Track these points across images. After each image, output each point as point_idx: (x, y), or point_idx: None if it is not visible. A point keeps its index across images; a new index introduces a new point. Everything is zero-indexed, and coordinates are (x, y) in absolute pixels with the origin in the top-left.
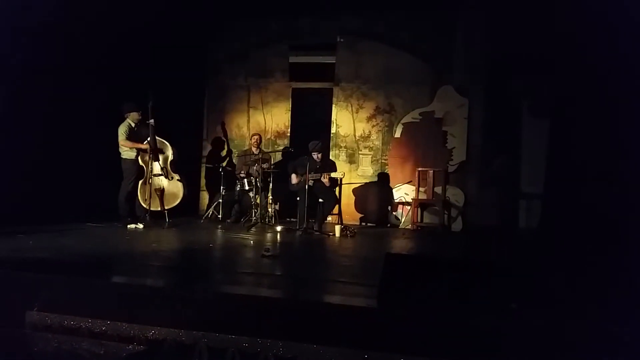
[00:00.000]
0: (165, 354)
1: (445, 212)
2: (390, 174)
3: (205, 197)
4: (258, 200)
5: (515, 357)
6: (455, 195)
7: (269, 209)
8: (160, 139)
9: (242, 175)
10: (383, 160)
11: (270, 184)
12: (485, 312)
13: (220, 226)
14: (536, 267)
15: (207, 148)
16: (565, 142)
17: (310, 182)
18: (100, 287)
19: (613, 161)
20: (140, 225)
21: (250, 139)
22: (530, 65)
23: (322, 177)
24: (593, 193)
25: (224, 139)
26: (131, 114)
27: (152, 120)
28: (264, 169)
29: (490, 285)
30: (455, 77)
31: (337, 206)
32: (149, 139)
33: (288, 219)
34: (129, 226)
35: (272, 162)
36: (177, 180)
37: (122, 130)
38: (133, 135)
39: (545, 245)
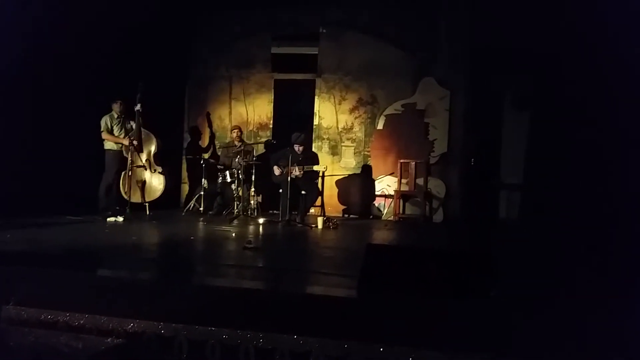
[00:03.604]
0: (145, 346)
1: (427, 203)
2: (372, 166)
3: (186, 189)
4: (240, 193)
5: (496, 345)
6: (436, 186)
7: (252, 201)
8: (145, 130)
9: (220, 166)
10: (366, 152)
11: (253, 176)
12: (465, 302)
13: (202, 218)
14: (516, 257)
15: (188, 140)
16: (546, 134)
17: (293, 174)
18: (79, 280)
19: (594, 153)
20: (120, 218)
21: (231, 132)
22: (512, 58)
23: (295, 170)
24: (574, 184)
25: (208, 129)
26: (113, 105)
27: (139, 106)
28: (246, 161)
29: (470, 275)
30: (437, 69)
31: (319, 198)
32: (132, 132)
33: (270, 211)
34: (108, 219)
35: (254, 154)
36: (159, 172)
37: (103, 122)
38: (116, 127)
39: (525, 236)
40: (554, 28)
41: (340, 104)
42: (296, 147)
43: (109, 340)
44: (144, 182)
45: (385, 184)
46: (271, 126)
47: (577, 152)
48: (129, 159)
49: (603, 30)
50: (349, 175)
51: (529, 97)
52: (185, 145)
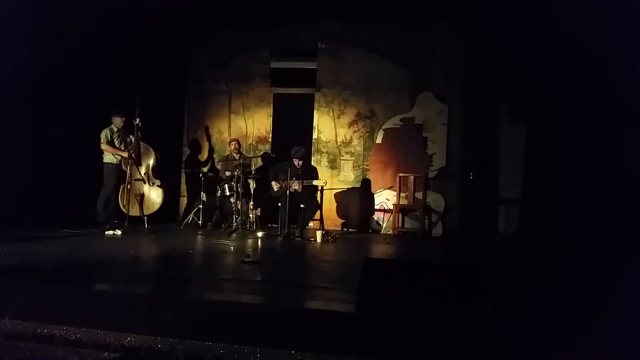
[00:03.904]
0: None
1: (426, 217)
2: (371, 180)
3: (185, 202)
4: (239, 206)
5: (494, 358)
6: (435, 200)
7: (250, 215)
8: (144, 144)
9: (226, 175)
10: (364, 166)
11: (252, 190)
12: (462, 317)
13: (200, 232)
14: (514, 272)
15: (187, 153)
16: (543, 147)
17: (292, 188)
18: (76, 294)
19: (591, 166)
20: (119, 232)
21: (229, 145)
22: (508, 73)
23: (293, 185)
24: (570, 198)
25: (207, 143)
26: (114, 118)
27: (138, 120)
28: (246, 173)
29: (468, 289)
30: (435, 84)
31: (318, 212)
32: (131, 145)
33: (269, 225)
34: (107, 232)
35: (252, 168)
36: (158, 186)
37: (103, 134)
38: (114, 140)
39: (523, 250)
40: (550, 41)
41: (339, 118)
42: (296, 162)
43: (105, 354)
44: (142, 196)
45: (384, 198)
46: (270, 140)
47: (575, 165)
48: (128, 172)
49: (598, 42)
50: (348, 189)
51: (527, 111)
52: (184, 158)
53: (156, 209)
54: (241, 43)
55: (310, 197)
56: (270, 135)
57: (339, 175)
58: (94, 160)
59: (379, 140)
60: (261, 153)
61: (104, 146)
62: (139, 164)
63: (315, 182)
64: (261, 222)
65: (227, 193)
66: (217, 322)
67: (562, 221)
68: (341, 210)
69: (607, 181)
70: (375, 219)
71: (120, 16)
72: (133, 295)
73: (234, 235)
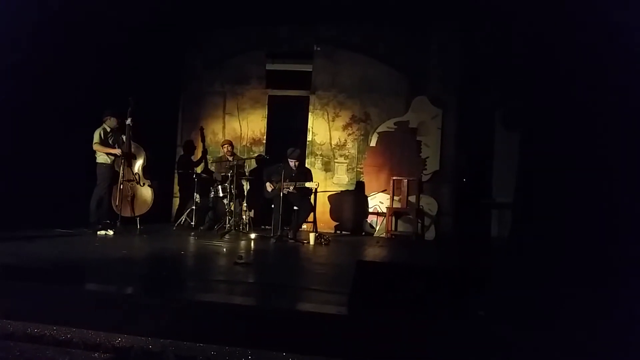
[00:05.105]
0: None
1: (419, 220)
2: (365, 183)
3: (177, 203)
4: (232, 207)
5: None
6: (428, 204)
7: (244, 216)
8: (135, 144)
9: (219, 178)
10: (358, 169)
11: (245, 191)
12: (455, 320)
13: (193, 233)
14: (506, 276)
15: (181, 154)
16: (537, 151)
17: (285, 190)
18: (67, 294)
19: (585, 170)
20: (111, 232)
21: (222, 148)
22: (503, 78)
23: (288, 187)
24: (564, 202)
25: (201, 144)
26: (109, 119)
27: (129, 120)
28: (239, 175)
29: (461, 293)
30: (429, 88)
31: (312, 214)
32: (123, 145)
33: (263, 227)
34: (99, 233)
35: (246, 169)
36: (148, 186)
37: (96, 135)
38: (108, 140)
39: (516, 254)
40: (545, 46)
41: (333, 120)
42: (291, 163)
43: (96, 354)
44: (133, 196)
45: (378, 201)
46: (264, 141)
47: (569, 169)
48: (120, 172)
49: (596, 44)
50: (342, 191)
51: (521, 115)
52: (177, 159)
53: (147, 209)
54: (237, 44)
55: (303, 199)
56: (265, 137)
57: (332, 177)
58: (87, 160)
59: (373, 143)
60: (255, 155)
61: (96, 146)
62: (130, 165)
63: (307, 184)
64: (254, 224)
65: (221, 194)
66: (209, 323)
67: (556, 225)
68: (335, 213)
69: (601, 185)
70: (369, 221)
71: (116, 16)
72: (124, 296)
73: (226, 236)
